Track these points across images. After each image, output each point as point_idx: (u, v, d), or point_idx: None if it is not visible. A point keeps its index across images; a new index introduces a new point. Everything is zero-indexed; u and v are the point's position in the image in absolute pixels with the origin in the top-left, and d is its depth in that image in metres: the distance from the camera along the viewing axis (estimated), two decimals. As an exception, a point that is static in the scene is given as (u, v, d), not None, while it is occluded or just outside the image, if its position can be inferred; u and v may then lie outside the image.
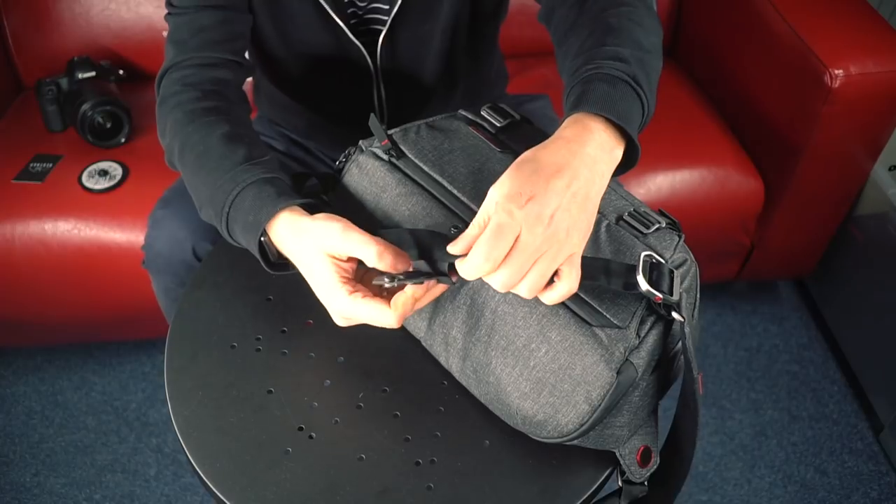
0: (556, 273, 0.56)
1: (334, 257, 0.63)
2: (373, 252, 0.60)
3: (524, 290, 0.55)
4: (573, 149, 0.58)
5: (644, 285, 0.57)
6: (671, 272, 0.59)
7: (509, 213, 0.54)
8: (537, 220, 0.54)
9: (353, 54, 0.91)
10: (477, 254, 0.54)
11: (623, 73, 0.63)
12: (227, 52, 0.83)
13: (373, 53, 0.91)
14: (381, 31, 0.89)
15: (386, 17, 0.88)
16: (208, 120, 0.76)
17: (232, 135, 0.74)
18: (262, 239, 0.68)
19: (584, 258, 0.58)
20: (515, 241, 0.54)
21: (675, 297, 0.57)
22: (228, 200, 0.69)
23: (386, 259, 0.60)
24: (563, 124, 0.61)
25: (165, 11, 0.85)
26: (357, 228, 0.63)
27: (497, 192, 0.55)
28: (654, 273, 0.58)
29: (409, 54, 0.92)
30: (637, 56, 0.66)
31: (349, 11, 0.89)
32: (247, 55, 0.88)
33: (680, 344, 0.62)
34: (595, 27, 0.70)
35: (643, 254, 0.59)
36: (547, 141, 0.60)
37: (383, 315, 0.60)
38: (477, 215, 0.56)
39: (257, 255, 0.69)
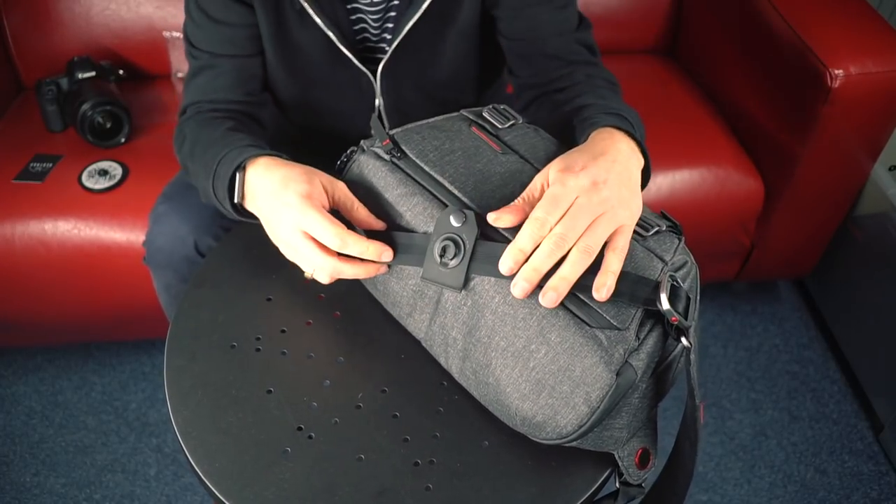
0: (604, 247, 0.59)
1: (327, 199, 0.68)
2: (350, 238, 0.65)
3: (579, 257, 0.57)
4: (608, 145, 0.66)
5: (665, 304, 0.57)
6: (688, 298, 0.59)
7: (563, 182, 0.60)
8: (592, 187, 0.60)
9: (360, 80, 0.92)
10: (532, 220, 0.58)
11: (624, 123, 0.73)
12: (241, 94, 0.89)
13: (375, 72, 0.92)
14: (383, 56, 0.90)
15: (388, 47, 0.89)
16: (221, 124, 0.82)
17: (238, 128, 0.81)
18: (237, 175, 0.71)
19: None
20: (570, 205, 0.59)
21: (689, 323, 0.58)
22: (218, 158, 0.73)
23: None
24: (591, 135, 0.70)
25: (186, 46, 0.90)
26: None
27: (545, 172, 0.62)
28: (673, 295, 0.58)
29: (411, 80, 0.93)
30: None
31: (359, 38, 0.90)
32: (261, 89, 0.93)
33: (679, 347, 0.62)
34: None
35: (668, 274, 0.59)
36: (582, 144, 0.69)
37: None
38: (524, 192, 0.62)
39: (224, 191, 0.73)
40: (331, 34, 0.85)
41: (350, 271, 0.67)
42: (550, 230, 0.58)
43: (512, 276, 0.59)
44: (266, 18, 0.85)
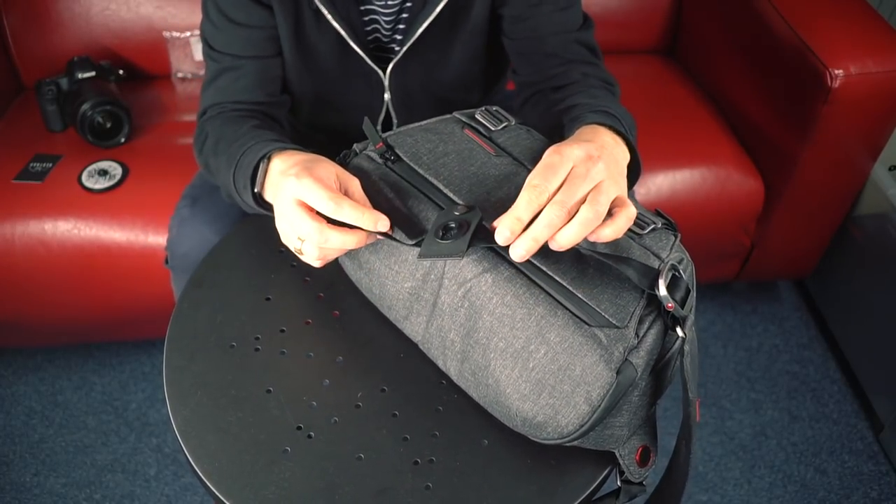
0: (609, 214, 0.59)
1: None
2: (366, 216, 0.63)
3: (588, 216, 0.56)
4: (592, 137, 0.66)
5: (663, 290, 0.57)
6: (688, 289, 0.59)
7: (558, 152, 0.59)
8: (587, 157, 0.59)
9: (370, 77, 0.92)
10: (529, 188, 0.57)
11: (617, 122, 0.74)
12: (263, 95, 0.89)
13: (385, 70, 0.92)
14: (394, 54, 0.90)
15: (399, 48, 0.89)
16: (245, 122, 0.83)
17: (262, 126, 0.82)
18: (261, 165, 0.71)
19: (617, 257, 0.60)
20: (567, 174, 0.58)
21: (685, 312, 0.58)
22: (243, 149, 0.74)
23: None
24: (577, 131, 0.70)
25: (204, 49, 0.89)
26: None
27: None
28: (673, 284, 0.58)
29: (419, 79, 0.94)
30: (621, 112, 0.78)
31: (371, 38, 0.91)
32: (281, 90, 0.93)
33: (677, 343, 0.62)
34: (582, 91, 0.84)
35: (670, 264, 0.59)
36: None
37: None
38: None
39: (245, 181, 0.72)
40: (343, 33, 0.86)
41: (338, 239, 0.63)
42: (549, 199, 0.57)
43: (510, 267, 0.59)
44: (285, 19, 0.85)
